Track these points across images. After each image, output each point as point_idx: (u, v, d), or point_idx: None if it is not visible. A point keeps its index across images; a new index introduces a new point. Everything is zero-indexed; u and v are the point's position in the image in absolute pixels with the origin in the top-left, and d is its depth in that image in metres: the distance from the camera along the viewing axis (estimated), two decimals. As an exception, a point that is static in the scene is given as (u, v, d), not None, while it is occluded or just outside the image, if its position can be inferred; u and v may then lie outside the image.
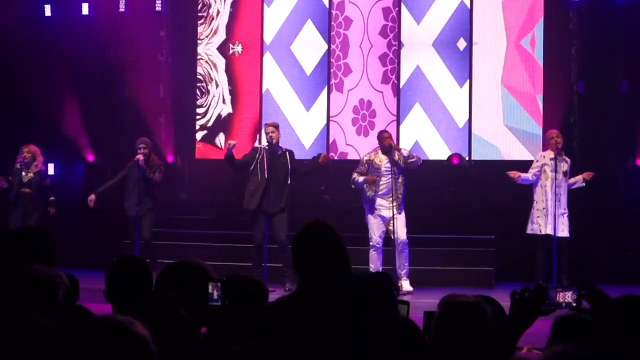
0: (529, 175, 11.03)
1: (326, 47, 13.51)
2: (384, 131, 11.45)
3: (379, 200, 10.95)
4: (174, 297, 2.97)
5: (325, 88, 13.51)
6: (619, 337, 2.81)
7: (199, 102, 13.95)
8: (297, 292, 3.81)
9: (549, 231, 10.89)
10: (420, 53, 13.15)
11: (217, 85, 13.91)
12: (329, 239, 3.79)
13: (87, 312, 3.84)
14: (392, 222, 10.88)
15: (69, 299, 3.66)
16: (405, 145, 12.55)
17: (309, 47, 13.59)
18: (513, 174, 11.09)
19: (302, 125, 13.55)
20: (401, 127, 13.17)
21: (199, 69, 13.96)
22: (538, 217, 10.98)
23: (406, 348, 2.75)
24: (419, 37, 13.19)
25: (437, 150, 13.02)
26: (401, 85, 13.17)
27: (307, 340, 3.31)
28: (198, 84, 13.96)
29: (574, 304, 3.05)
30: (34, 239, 3.78)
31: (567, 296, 3.08)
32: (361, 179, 10.99)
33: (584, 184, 11.05)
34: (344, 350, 2.86)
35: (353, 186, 11.16)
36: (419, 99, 13.13)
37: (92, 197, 11.65)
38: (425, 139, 13.10)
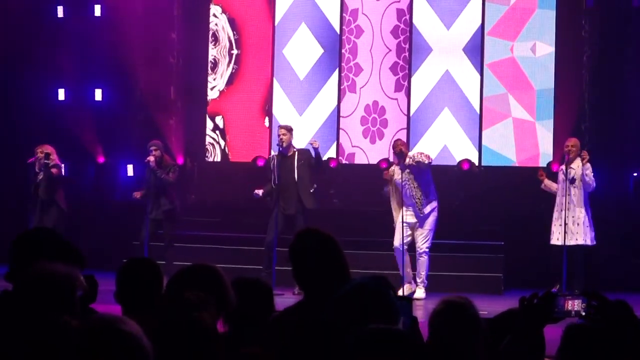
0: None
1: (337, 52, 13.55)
2: (398, 139, 11.56)
3: (406, 213, 10.99)
4: (193, 298, 2.96)
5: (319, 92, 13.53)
6: (626, 344, 2.81)
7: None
8: (302, 301, 3.83)
9: (556, 241, 10.94)
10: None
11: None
12: (323, 247, 3.78)
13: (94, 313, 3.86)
14: (415, 228, 11.02)
15: (86, 300, 3.68)
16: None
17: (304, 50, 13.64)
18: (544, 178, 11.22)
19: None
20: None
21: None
22: (554, 226, 11.04)
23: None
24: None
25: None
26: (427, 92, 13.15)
27: (309, 349, 3.32)
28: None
29: (584, 313, 3.05)
30: (51, 239, 3.79)
31: (576, 305, 3.08)
32: (387, 190, 11.25)
33: (587, 171, 10.93)
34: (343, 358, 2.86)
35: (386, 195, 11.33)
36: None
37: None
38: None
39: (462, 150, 13.02)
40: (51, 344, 2.54)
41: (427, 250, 11.05)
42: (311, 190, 11.29)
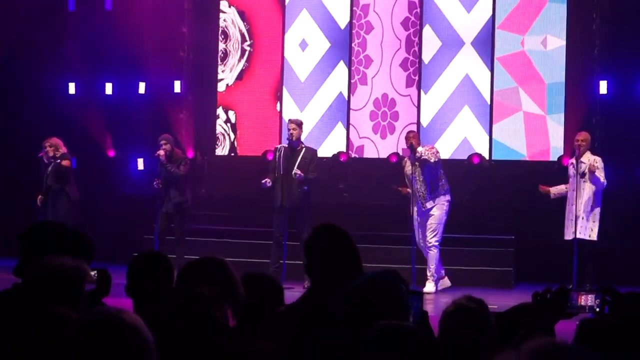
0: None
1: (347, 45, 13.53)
2: (410, 131, 11.53)
3: (416, 205, 11.01)
4: (208, 294, 2.94)
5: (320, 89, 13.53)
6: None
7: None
8: (308, 294, 3.82)
9: (567, 236, 10.91)
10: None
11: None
12: (338, 242, 3.79)
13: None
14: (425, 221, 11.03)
15: (98, 293, 3.68)
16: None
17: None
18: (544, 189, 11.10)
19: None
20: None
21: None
22: (567, 220, 10.99)
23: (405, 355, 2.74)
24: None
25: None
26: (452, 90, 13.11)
27: (318, 341, 3.31)
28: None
29: (597, 309, 3.03)
30: (59, 231, 3.79)
31: (589, 300, 3.06)
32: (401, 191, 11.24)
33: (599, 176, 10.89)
34: (353, 351, 2.85)
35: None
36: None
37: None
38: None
39: (482, 145, 12.95)
40: (48, 337, 2.54)
41: (436, 244, 11.04)
42: (299, 190, 11.20)
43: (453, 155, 12.88)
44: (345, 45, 13.54)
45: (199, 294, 2.88)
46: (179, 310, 2.80)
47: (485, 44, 13.01)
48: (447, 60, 13.13)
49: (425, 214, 11.03)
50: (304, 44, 13.68)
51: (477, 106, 13.02)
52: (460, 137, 13.05)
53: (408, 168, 11.10)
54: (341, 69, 13.52)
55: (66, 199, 11.96)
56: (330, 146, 13.41)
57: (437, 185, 11.03)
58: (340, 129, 13.51)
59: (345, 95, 13.51)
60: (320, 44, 13.62)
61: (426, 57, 13.21)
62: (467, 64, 13.05)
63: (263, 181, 11.24)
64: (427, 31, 13.22)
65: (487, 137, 12.97)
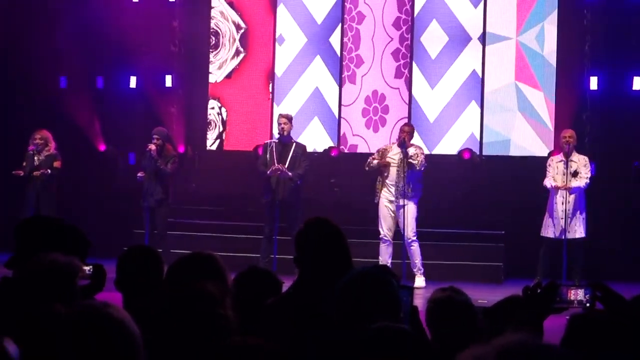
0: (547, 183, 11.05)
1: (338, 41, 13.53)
2: (405, 124, 11.48)
3: (385, 191, 10.96)
4: (214, 291, 2.91)
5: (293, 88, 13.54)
6: (634, 338, 2.79)
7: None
8: (295, 287, 3.81)
9: (549, 234, 10.91)
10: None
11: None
12: (330, 238, 3.79)
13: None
14: (398, 215, 10.93)
15: (92, 289, 3.67)
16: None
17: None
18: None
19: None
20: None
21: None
22: (553, 219, 10.98)
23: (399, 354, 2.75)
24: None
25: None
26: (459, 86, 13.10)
27: (304, 335, 3.31)
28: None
29: (587, 304, 3.04)
30: (54, 226, 3.79)
31: (579, 294, 3.07)
32: (375, 162, 11.02)
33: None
34: (342, 347, 2.85)
35: (367, 168, 11.11)
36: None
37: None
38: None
39: (474, 140, 12.97)
40: (38, 332, 2.54)
41: (414, 238, 11.02)
42: (292, 185, 11.18)
43: (450, 150, 12.92)
44: (325, 40, 13.54)
45: (206, 292, 2.86)
46: (185, 308, 2.77)
47: (479, 39, 13.01)
48: (450, 56, 13.11)
49: (398, 209, 10.98)
50: (287, 36, 13.67)
51: (467, 102, 13.04)
52: (455, 133, 13.07)
53: (393, 155, 10.98)
54: (319, 63, 13.50)
55: (53, 194, 11.96)
56: (316, 141, 13.44)
57: (417, 186, 11.01)
58: (333, 125, 13.52)
59: (323, 91, 13.48)
60: (300, 36, 13.61)
61: (432, 52, 13.20)
62: (466, 59, 13.06)
63: (276, 166, 11.11)
64: (433, 25, 13.21)
65: (479, 133, 12.99)
